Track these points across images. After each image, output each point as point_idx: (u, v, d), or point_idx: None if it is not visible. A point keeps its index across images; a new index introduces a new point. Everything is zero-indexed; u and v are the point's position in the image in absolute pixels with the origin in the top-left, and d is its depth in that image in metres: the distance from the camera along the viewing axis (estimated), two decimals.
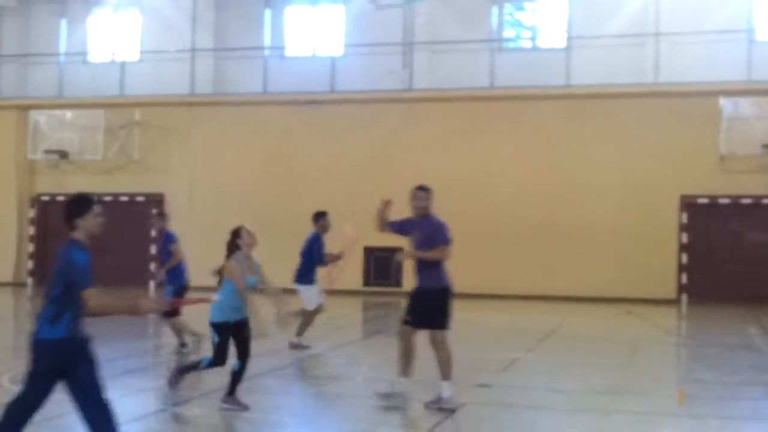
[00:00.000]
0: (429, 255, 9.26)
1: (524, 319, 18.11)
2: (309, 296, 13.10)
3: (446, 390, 8.90)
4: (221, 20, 26.03)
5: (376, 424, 8.37)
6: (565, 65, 23.02)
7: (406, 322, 9.19)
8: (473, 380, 10.50)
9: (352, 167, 23.41)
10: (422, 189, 9.51)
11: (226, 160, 24.46)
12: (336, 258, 13.28)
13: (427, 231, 9.36)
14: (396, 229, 9.64)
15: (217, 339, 8.83)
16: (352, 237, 13.38)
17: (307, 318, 12.94)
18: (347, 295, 22.00)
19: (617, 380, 11.03)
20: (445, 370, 9.00)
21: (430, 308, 9.14)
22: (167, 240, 13.14)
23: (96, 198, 5.96)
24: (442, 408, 8.76)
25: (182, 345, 12.53)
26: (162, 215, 13.59)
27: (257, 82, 25.06)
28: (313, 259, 13.24)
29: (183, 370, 9.39)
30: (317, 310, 13.08)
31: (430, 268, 9.34)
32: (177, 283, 12.86)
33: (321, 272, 13.45)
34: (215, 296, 9.01)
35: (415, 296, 9.28)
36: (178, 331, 12.64)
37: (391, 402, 8.95)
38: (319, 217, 13.41)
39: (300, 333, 12.80)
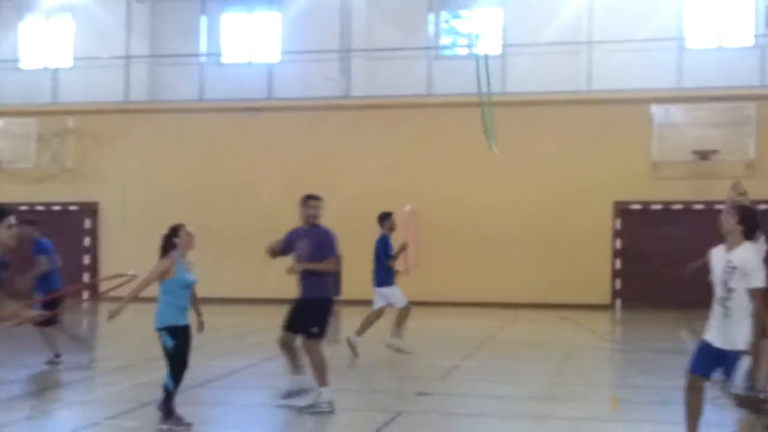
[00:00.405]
0: (317, 267, 9.42)
1: (462, 326, 18.21)
2: (396, 296, 14.00)
3: (325, 394, 9.09)
4: (156, 27, 25.72)
5: None
6: (500, 72, 23.22)
7: (287, 329, 9.45)
8: (412, 389, 10.54)
9: (291, 175, 23.28)
10: (315, 198, 9.67)
11: (162, 167, 24.18)
12: (402, 249, 14.10)
13: (315, 241, 9.50)
14: (283, 251, 9.63)
15: (171, 343, 8.57)
16: (409, 212, 13.85)
17: (400, 316, 13.91)
18: (286, 303, 21.89)
19: (553, 386, 11.16)
20: (321, 376, 9.19)
21: (310, 317, 9.32)
22: (37, 249, 12.52)
23: (12, 209, 5.82)
24: (319, 411, 9.02)
25: (57, 356, 12.13)
26: (29, 222, 12.68)
27: (193, 89, 24.84)
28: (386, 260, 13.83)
29: (166, 406, 8.63)
30: (409, 308, 13.91)
31: (315, 278, 9.51)
32: (46, 290, 12.16)
33: (400, 264, 14.17)
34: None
35: (298, 305, 9.43)
36: (52, 341, 12.18)
37: (306, 406, 9.13)
38: (385, 218, 14.14)
39: (398, 334, 13.61)
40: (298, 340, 9.63)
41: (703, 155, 21.26)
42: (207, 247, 23.30)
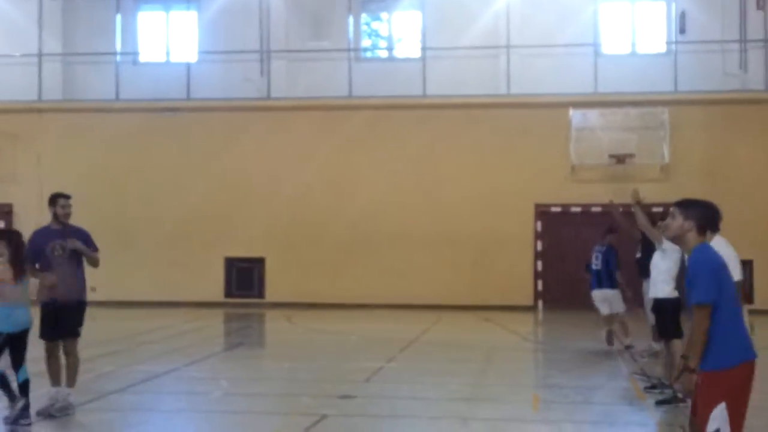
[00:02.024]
0: (94, 256, 9.60)
1: (386, 328, 18.20)
2: (618, 299, 14.19)
3: (72, 396, 9.10)
4: (69, 24, 25.09)
5: None
6: (421, 75, 23.34)
7: (43, 336, 9.18)
8: (335, 392, 10.48)
9: (211, 176, 23.03)
10: (65, 196, 9.58)
11: (78, 168, 23.57)
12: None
13: (78, 238, 9.56)
14: (36, 255, 9.47)
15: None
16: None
17: (624, 319, 14.21)
18: (208, 306, 21.64)
19: (476, 387, 11.24)
20: (73, 377, 9.20)
21: (68, 318, 9.24)
22: None
23: None
24: (65, 413, 8.88)
25: None
26: None
27: (109, 89, 24.30)
28: (611, 266, 14.29)
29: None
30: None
31: (74, 279, 9.46)
32: None
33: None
34: None
35: (54, 308, 9.22)
36: None
37: (53, 408, 8.90)
38: (611, 232, 14.59)
39: (627, 334, 13.93)
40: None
41: (620, 159, 21.69)
42: (125, 249, 23.10)
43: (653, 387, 10.43)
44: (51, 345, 9.20)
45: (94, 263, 9.51)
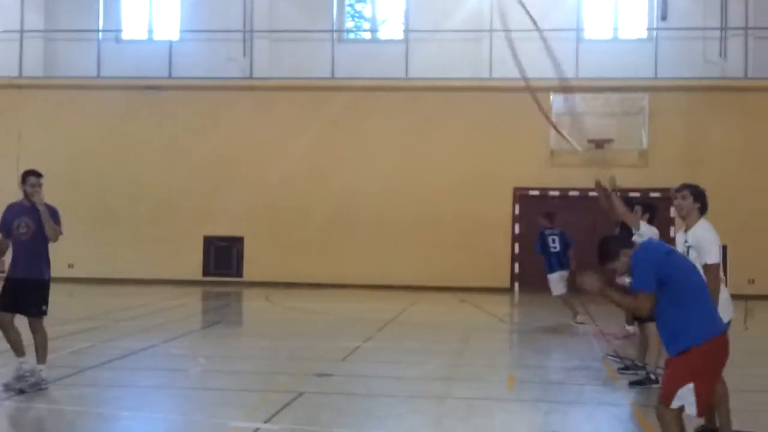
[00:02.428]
0: (55, 227, 9.56)
1: (364, 308, 18.31)
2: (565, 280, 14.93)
3: (44, 371, 9.06)
4: (52, 1, 24.95)
5: (211, 416, 8.28)
6: (404, 58, 23.37)
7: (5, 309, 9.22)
8: (312, 370, 10.55)
9: (193, 155, 23.03)
10: (38, 174, 9.67)
11: (58, 145, 23.52)
12: None
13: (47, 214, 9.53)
14: (5, 231, 9.59)
15: None
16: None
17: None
18: (186, 284, 21.68)
19: (452, 367, 11.35)
20: (43, 354, 9.19)
21: (27, 296, 9.31)
22: None
23: None
24: (36, 388, 8.86)
25: None
26: None
27: (91, 66, 24.19)
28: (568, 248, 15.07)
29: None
30: None
31: (36, 259, 9.55)
32: None
33: None
34: None
35: (21, 285, 9.34)
36: None
37: (24, 383, 8.89)
38: (548, 217, 15.42)
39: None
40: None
41: (599, 144, 21.80)
42: (105, 227, 23.06)
43: (626, 368, 10.58)
44: (3, 315, 9.21)
45: (53, 236, 9.49)
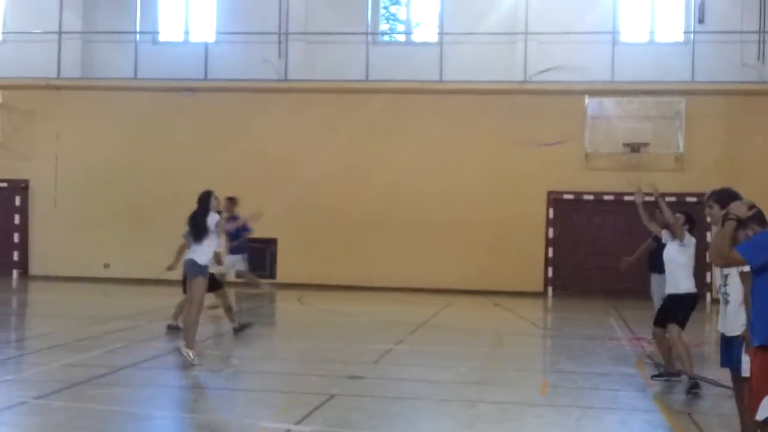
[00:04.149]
0: None
1: (397, 311, 18.29)
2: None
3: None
4: (90, 2, 25.18)
5: (242, 416, 8.32)
6: (438, 60, 23.35)
7: None
8: (344, 372, 10.58)
9: (228, 156, 23.14)
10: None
11: (95, 145, 23.78)
12: None
13: None
14: None
15: None
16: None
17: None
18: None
19: (484, 371, 11.31)
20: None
21: None
22: None
23: None
24: None
25: None
26: None
27: (128, 67, 24.42)
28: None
29: None
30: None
31: None
32: None
33: None
34: None
35: None
36: None
37: None
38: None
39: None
40: None
41: (634, 148, 21.68)
42: (140, 227, 23.28)
43: (660, 375, 10.49)
44: None
45: None
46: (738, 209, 5.88)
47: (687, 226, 10.42)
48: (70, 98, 24.13)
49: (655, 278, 12.98)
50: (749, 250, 5.63)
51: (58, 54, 24.42)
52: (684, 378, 9.91)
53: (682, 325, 10.07)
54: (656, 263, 11.90)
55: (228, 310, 13.57)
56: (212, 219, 11.02)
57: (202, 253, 11.01)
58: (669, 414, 8.78)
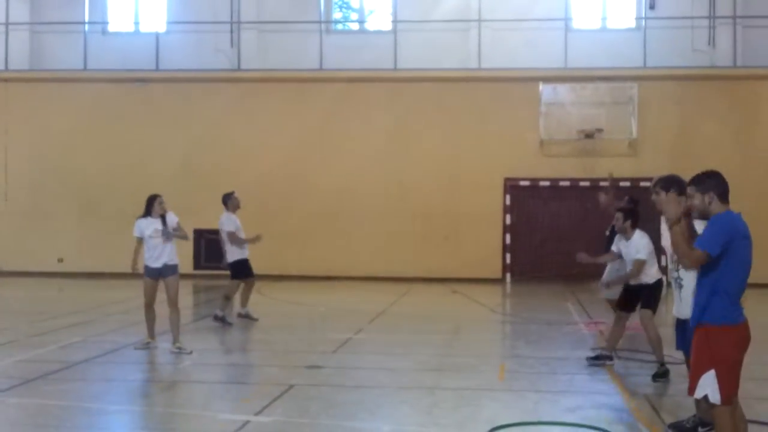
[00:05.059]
0: None
1: (355, 300, 18.29)
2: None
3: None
4: None
5: (201, 409, 8.25)
6: (392, 48, 23.31)
7: None
8: (303, 362, 10.54)
9: (181, 148, 22.95)
10: None
11: (45, 138, 23.44)
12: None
13: None
14: None
15: None
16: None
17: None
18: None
19: (443, 357, 11.33)
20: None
21: None
22: None
23: None
24: None
25: None
26: None
27: (77, 59, 24.06)
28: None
29: None
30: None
31: None
32: None
33: None
34: None
35: None
36: None
37: None
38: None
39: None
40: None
41: (588, 134, 21.84)
42: (92, 220, 22.99)
43: (597, 357, 10.59)
44: None
45: None
46: (669, 213, 6.01)
47: (629, 221, 10.35)
48: (19, 90, 23.75)
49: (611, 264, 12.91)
50: (708, 242, 5.69)
51: (5, 46, 24.00)
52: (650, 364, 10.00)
53: (653, 308, 10.15)
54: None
55: (226, 298, 14.19)
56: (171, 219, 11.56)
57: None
58: (627, 396, 8.86)
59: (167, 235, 11.32)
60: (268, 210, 22.59)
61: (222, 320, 13.88)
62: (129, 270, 11.85)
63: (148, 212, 11.57)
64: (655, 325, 10.09)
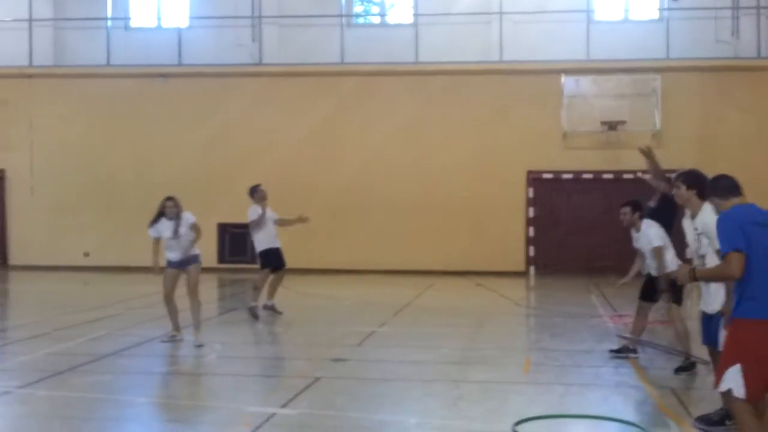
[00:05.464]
0: None
1: (378, 293, 18.28)
2: None
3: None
4: None
5: (227, 402, 8.31)
6: (413, 42, 23.29)
7: None
8: (328, 355, 10.58)
9: (202, 142, 23.03)
10: None
11: (70, 133, 23.59)
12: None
13: None
14: None
15: None
16: None
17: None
18: (201, 272, 21.64)
19: (467, 351, 11.34)
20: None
21: None
22: None
23: None
24: None
25: None
26: None
27: (100, 54, 24.20)
28: None
29: None
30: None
31: None
32: None
33: None
34: None
35: None
36: None
37: None
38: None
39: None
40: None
41: (611, 126, 21.74)
42: (117, 214, 23.14)
43: (619, 351, 10.56)
44: None
45: None
46: (684, 277, 6.21)
47: (637, 214, 10.31)
48: (43, 86, 23.90)
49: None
50: (728, 242, 5.70)
51: (29, 42, 24.15)
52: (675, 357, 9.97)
53: (679, 302, 10.09)
54: None
55: (255, 288, 14.53)
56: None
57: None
58: (652, 389, 8.84)
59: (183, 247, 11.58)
60: (290, 203, 22.50)
61: (254, 312, 13.95)
62: (148, 264, 11.97)
63: (161, 215, 11.74)
64: (684, 318, 10.06)
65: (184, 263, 11.61)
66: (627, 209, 10.32)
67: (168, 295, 11.66)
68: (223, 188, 22.54)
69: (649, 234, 10.03)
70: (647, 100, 21.77)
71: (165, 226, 11.59)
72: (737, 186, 6.17)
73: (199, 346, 11.11)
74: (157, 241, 11.71)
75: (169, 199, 11.76)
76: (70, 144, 23.60)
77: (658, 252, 9.95)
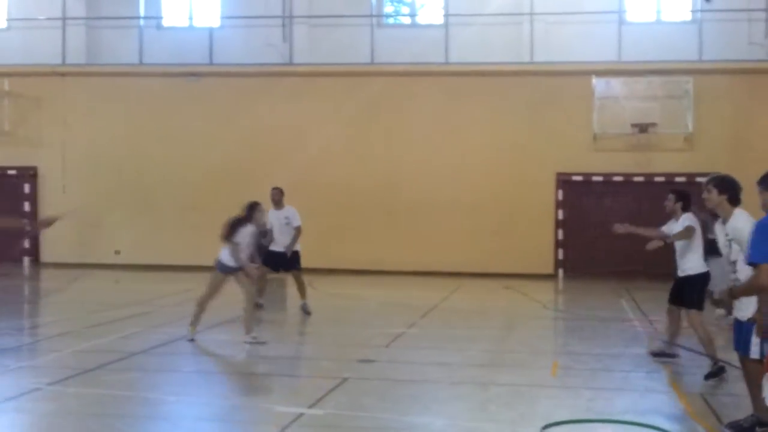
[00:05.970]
0: None
1: (408, 294, 18.26)
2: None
3: None
4: None
5: (255, 401, 8.35)
6: (443, 42, 23.26)
7: None
8: (356, 355, 10.60)
9: (234, 141, 23.14)
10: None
11: (102, 131, 23.79)
12: None
13: None
14: None
15: None
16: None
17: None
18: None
19: (495, 353, 11.32)
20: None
21: None
22: None
23: None
24: None
25: None
26: None
27: (133, 53, 24.39)
28: None
29: None
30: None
31: None
32: None
33: None
34: None
35: None
36: None
37: None
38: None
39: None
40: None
41: (642, 128, 21.57)
42: (148, 213, 23.31)
43: (656, 354, 10.51)
44: None
45: None
46: (726, 299, 6.72)
47: (680, 203, 10.30)
48: (76, 84, 24.12)
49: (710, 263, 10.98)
50: (761, 252, 5.66)
51: (62, 41, 24.39)
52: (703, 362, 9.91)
53: (699, 307, 10.01)
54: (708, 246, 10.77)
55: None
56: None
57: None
58: (682, 395, 8.78)
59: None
60: (319, 204, 22.69)
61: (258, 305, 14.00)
62: (184, 263, 12.04)
63: (249, 219, 11.77)
64: (704, 324, 9.98)
65: (237, 270, 11.66)
66: (672, 196, 10.33)
67: (209, 298, 11.78)
68: (251, 187, 22.56)
69: (686, 222, 10.01)
70: (679, 103, 21.60)
71: (248, 232, 11.72)
72: None
73: (254, 338, 11.35)
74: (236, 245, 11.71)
75: (259, 203, 12.22)
76: (102, 142, 23.79)
77: (687, 231, 10.02)
